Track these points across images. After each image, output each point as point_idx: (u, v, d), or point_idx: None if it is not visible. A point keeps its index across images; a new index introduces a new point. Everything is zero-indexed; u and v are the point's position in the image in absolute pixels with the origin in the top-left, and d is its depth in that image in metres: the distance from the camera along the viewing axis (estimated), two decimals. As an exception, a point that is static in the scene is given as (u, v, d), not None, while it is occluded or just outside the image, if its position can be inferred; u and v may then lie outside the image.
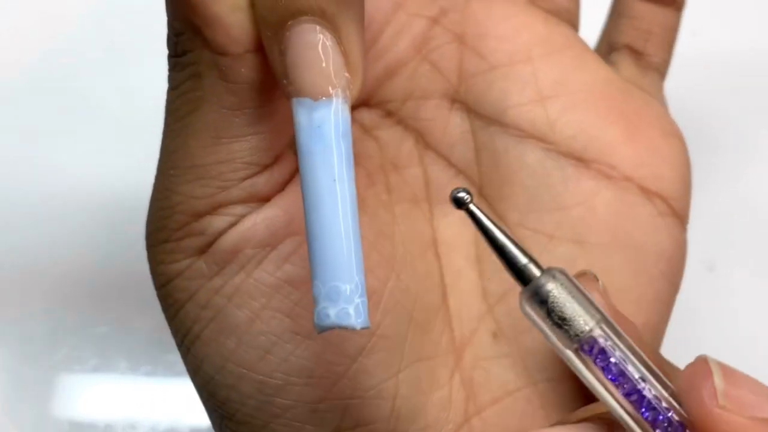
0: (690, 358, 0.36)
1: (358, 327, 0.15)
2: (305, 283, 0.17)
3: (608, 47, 0.23)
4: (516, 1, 0.21)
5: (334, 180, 0.15)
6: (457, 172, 0.21)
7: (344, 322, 0.15)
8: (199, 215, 0.17)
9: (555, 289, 0.16)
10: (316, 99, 0.15)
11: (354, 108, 0.17)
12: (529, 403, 0.19)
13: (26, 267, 0.34)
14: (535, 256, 0.17)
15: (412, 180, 0.20)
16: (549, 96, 0.20)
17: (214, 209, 0.17)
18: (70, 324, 0.33)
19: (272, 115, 0.17)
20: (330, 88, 0.15)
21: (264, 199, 0.17)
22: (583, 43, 0.21)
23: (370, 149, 0.20)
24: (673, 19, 0.23)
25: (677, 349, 0.32)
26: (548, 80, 0.20)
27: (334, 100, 0.15)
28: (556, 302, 0.16)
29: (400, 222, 0.19)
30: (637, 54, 0.23)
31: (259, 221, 0.17)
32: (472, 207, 0.16)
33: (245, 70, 0.16)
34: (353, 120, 0.17)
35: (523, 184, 0.20)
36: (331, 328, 0.15)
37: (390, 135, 0.21)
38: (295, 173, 0.18)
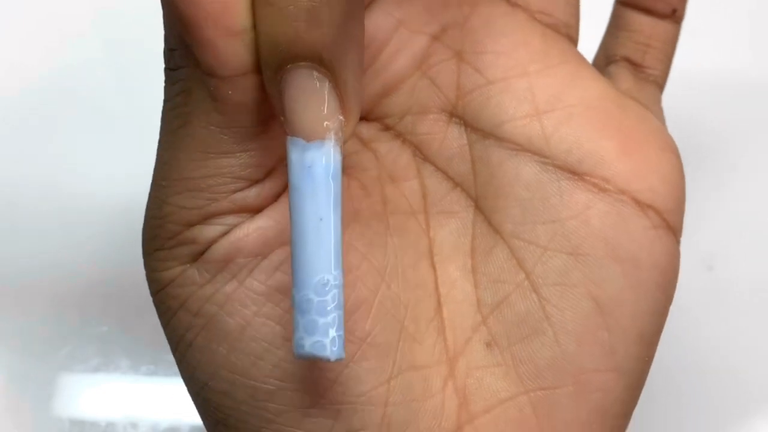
0: (690, 358, 0.36)
1: (333, 359, 0.16)
2: None
3: (606, 59, 0.23)
4: (515, 17, 0.21)
5: (320, 219, 0.15)
6: (454, 184, 0.21)
7: (319, 353, 0.16)
8: (190, 224, 0.17)
9: None
10: (308, 140, 0.15)
11: None
12: (522, 411, 0.19)
13: (28, 266, 0.34)
14: None
15: (409, 192, 0.20)
16: (545, 110, 0.20)
17: (204, 219, 0.17)
18: (71, 323, 0.33)
19: (262, 133, 0.17)
20: (323, 131, 0.15)
21: (255, 211, 0.18)
22: (580, 58, 0.21)
23: (367, 162, 0.20)
24: (672, 32, 0.23)
25: (677, 349, 0.32)
26: (544, 95, 0.20)
27: (326, 142, 0.15)
28: None
29: (393, 233, 0.20)
30: (635, 66, 0.23)
31: (251, 231, 0.17)
32: None
33: (232, 92, 0.16)
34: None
35: (518, 197, 0.20)
36: (307, 357, 0.16)
37: (388, 148, 0.21)
38: (286, 187, 0.18)
